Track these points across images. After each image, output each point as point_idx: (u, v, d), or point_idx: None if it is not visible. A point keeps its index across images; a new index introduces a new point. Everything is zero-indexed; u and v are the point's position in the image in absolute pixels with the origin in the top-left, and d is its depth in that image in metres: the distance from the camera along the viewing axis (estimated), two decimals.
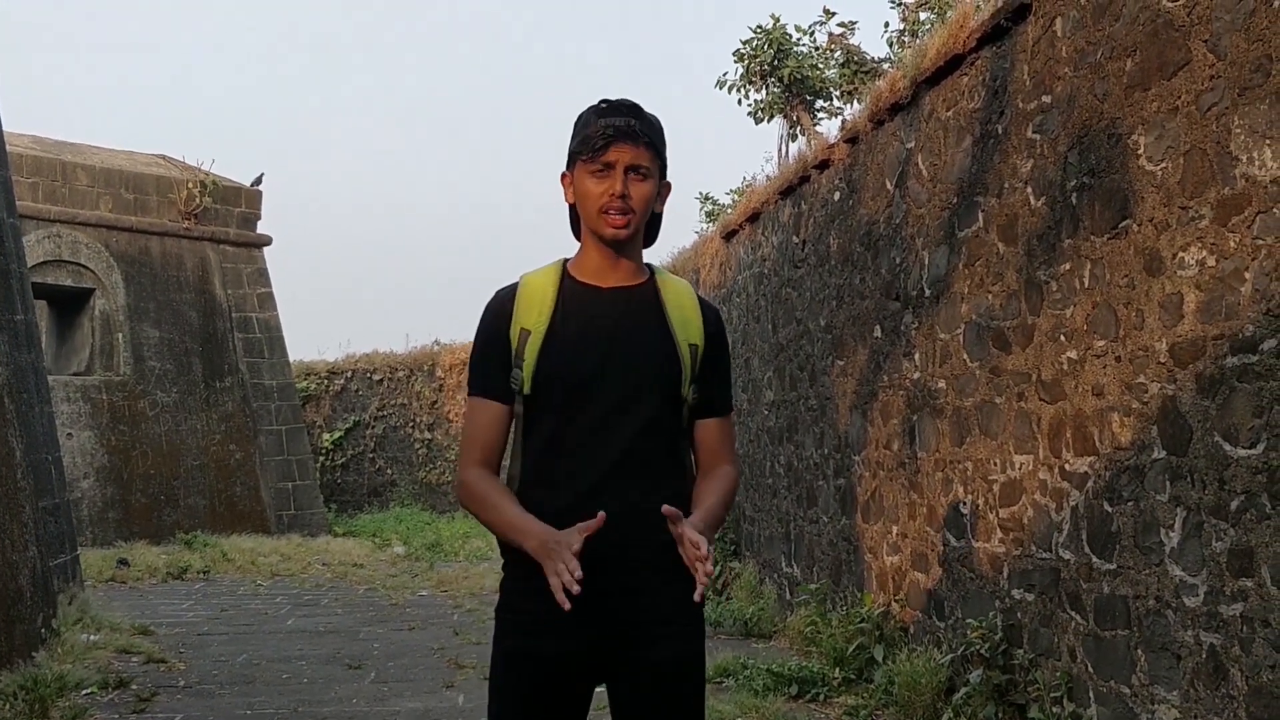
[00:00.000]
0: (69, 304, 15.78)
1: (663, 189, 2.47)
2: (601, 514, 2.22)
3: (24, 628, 6.58)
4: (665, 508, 2.25)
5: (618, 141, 2.35)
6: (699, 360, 2.47)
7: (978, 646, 5.21)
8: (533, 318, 2.39)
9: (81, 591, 8.71)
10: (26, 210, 14.45)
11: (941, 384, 5.93)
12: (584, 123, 2.40)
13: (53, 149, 15.83)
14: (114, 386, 15.30)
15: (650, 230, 2.52)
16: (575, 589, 2.10)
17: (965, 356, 5.67)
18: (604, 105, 2.41)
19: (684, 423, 2.49)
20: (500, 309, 2.44)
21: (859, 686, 6.16)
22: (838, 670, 6.33)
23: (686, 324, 2.47)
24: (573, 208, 2.47)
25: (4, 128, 8.08)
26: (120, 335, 15.53)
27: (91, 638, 7.63)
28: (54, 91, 63.23)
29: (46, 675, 6.11)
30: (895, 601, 6.47)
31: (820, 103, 15.80)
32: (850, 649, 6.38)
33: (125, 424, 15.25)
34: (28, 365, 7.82)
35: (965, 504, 5.66)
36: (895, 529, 6.55)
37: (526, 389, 2.39)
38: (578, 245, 2.51)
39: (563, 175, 2.47)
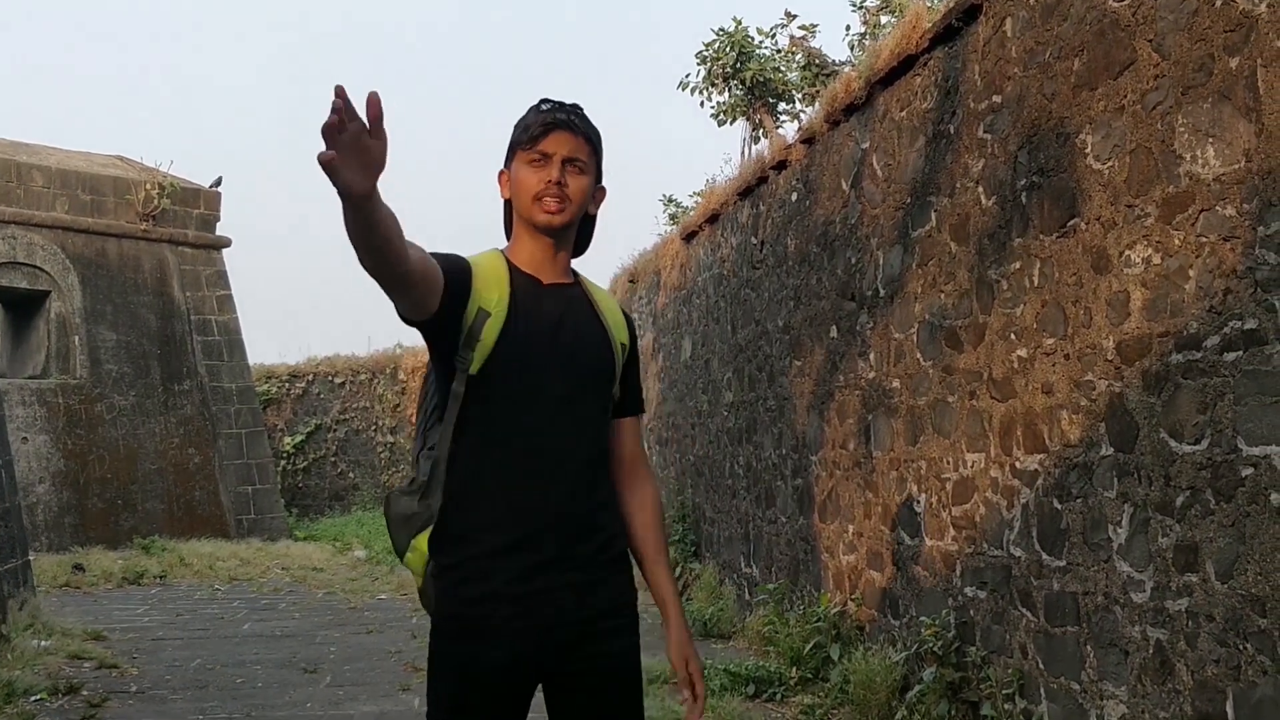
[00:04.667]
0: (24, 306, 15.57)
1: (597, 192, 2.50)
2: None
3: None
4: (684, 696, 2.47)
5: (556, 130, 2.37)
6: (624, 361, 2.53)
7: (931, 644, 5.22)
8: (492, 300, 2.34)
9: (33, 597, 8.59)
10: None
11: (896, 383, 5.95)
12: (524, 119, 2.42)
13: (7, 149, 15.62)
14: (70, 390, 15.11)
15: (583, 236, 2.53)
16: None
17: (919, 356, 5.69)
18: (544, 103, 2.43)
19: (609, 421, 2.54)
20: (464, 277, 2.34)
21: (815, 686, 6.17)
22: (795, 670, 6.34)
23: (618, 325, 2.53)
24: (508, 204, 2.48)
25: None
26: (77, 338, 15.34)
27: (42, 643, 7.53)
28: (7, 91, 62.49)
29: None
30: (851, 600, 6.49)
31: (783, 105, 15.82)
32: (807, 648, 6.39)
33: (82, 428, 15.06)
34: None
35: (919, 502, 5.68)
36: (851, 528, 6.56)
37: (474, 369, 2.33)
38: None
39: (500, 173, 2.48)
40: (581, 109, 2.45)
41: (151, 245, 16.54)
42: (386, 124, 1.92)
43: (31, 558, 9.29)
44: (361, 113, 1.88)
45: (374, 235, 2.01)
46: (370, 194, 1.93)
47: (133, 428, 15.61)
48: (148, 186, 16.46)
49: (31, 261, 15.07)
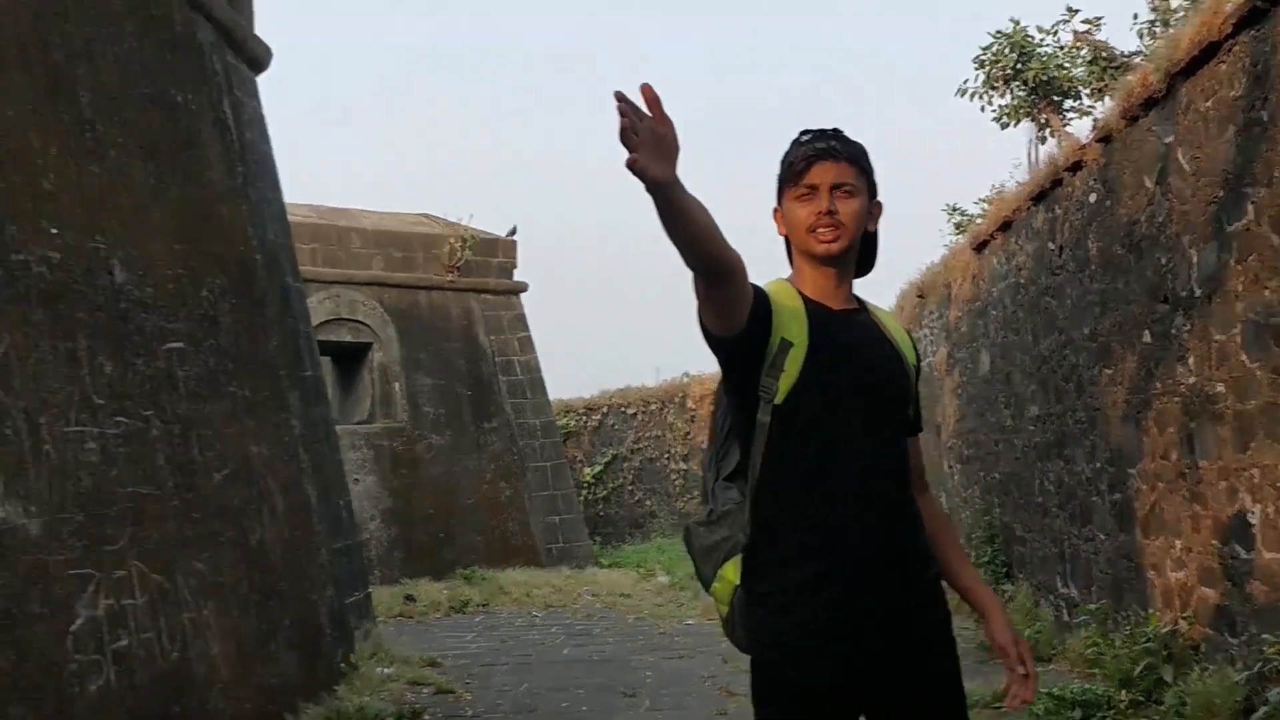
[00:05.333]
0: (350, 358, 16.88)
1: (874, 208, 2.51)
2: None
3: (325, 662, 7.07)
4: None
5: (819, 161, 2.40)
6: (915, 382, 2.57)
7: (1275, 663, 4.88)
8: (794, 330, 2.38)
9: (374, 627, 9.26)
10: (308, 274, 15.49)
11: (1220, 388, 5.61)
12: (787, 155, 2.47)
13: (328, 216, 17.03)
14: (394, 433, 16.24)
15: (867, 254, 2.55)
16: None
17: (1244, 357, 5.35)
18: (803, 134, 2.47)
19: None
20: (766, 302, 2.39)
21: (1147, 709, 5.87)
22: (1124, 692, 6.04)
23: (906, 346, 2.55)
24: (787, 241, 2.53)
25: (285, 200, 8.78)
26: (397, 385, 16.48)
27: (385, 671, 8.09)
28: (318, 161, 67.87)
29: (348, 708, 6.53)
30: (1182, 619, 6.13)
31: (1069, 103, 15.21)
32: (1137, 670, 6.09)
33: (405, 467, 16.15)
34: (319, 418, 8.44)
35: (1253, 514, 5.33)
36: (1178, 543, 6.21)
37: (779, 399, 2.37)
38: None
39: (774, 210, 2.52)
40: (841, 131, 2.47)
41: (458, 294, 17.59)
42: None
43: (370, 591, 10.03)
44: (643, 107, 2.03)
45: (689, 222, 2.13)
46: (674, 179, 2.07)
47: (449, 465, 16.60)
48: (451, 240, 17.51)
49: (354, 317, 16.33)
